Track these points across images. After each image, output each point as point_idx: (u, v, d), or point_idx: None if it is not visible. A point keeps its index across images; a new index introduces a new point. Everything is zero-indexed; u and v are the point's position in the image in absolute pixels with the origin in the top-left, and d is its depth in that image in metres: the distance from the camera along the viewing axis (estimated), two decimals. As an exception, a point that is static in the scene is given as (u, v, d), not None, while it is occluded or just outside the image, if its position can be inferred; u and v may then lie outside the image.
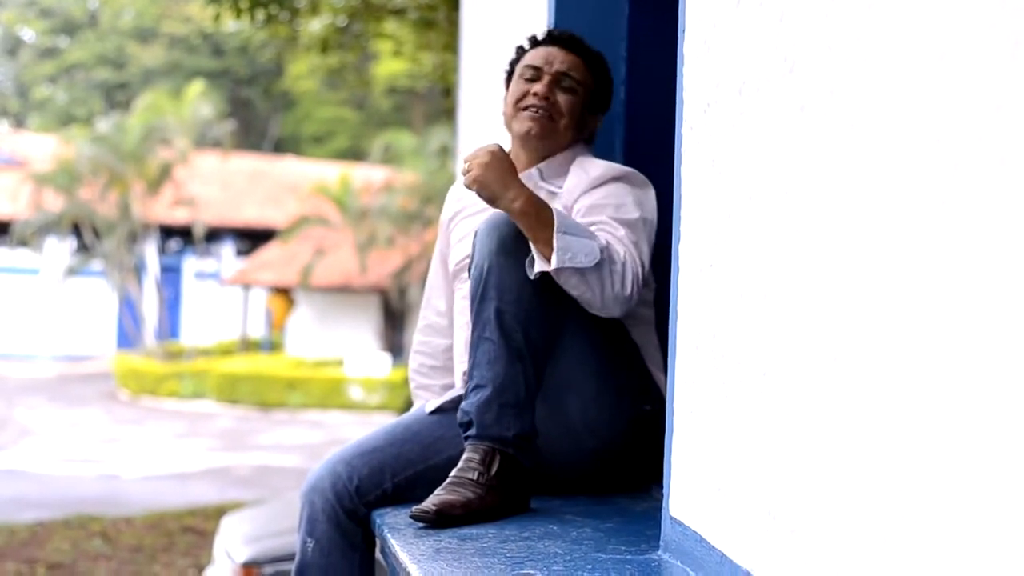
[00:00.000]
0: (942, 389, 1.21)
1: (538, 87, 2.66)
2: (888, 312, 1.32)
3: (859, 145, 1.40)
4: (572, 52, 2.72)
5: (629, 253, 2.41)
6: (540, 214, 2.31)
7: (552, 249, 2.28)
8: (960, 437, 1.18)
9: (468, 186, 2.35)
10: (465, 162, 2.39)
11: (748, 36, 1.72)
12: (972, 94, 1.18)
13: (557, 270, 2.29)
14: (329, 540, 2.48)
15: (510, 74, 2.78)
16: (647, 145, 2.94)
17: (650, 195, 2.60)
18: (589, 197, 2.54)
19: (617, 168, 2.61)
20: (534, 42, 2.77)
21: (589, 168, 2.61)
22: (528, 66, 2.71)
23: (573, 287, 2.33)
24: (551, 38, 2.76)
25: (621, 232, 2.46)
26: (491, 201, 2.35)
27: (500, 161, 2.35)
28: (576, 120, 2.70)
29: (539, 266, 2.30)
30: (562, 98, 2.67)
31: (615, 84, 3.03)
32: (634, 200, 2.53)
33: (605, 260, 2.33)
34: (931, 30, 1.25)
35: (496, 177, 2.34)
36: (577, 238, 2.30)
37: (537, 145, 2.67)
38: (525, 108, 2.67)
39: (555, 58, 2.70)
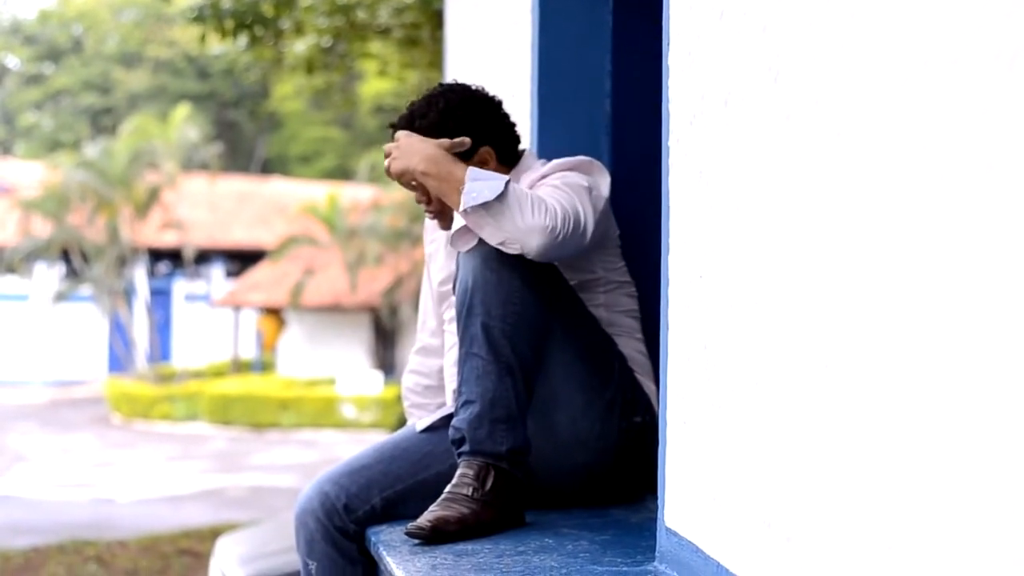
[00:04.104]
0: (934, 393, 1.22)
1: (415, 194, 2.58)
2: (879, 319, 1.33)
3: (845, 153, 1.40)
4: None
5: (557, 194, 2.35)
6: (452, 172, 2.33)
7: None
8: (953, 441, 1.18)
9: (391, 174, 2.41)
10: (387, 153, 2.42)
11: (732, 47, 1.73)
12: (958, 101, 1.18)
13: (468, 216, 2.27)
14: (329, 559, 2.49)
15: None
16: (634, 158, 2.94)
17: (601, 175, 2.57)
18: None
19: (566, 160, 2.57)
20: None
21: (538, 168, 2.58)
22: None
23: (489, 234, 2.28)
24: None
25: (556, 182, 2.42)
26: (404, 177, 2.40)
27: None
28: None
29: (456, 224, 2.28)
30: (423, 190, 2.52)
31: (600, 97, 3.03)
32: (583, 178, 2.48)
33: (512, 191, 2.26)
34: (915, 38, 1.26)
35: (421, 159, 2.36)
36: (483, 182, 2.28)
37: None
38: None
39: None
